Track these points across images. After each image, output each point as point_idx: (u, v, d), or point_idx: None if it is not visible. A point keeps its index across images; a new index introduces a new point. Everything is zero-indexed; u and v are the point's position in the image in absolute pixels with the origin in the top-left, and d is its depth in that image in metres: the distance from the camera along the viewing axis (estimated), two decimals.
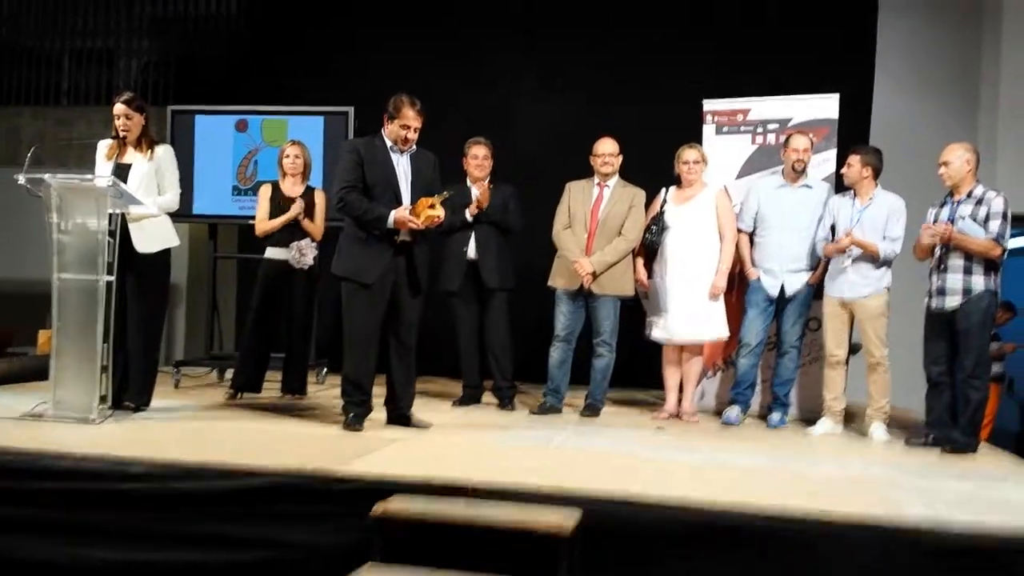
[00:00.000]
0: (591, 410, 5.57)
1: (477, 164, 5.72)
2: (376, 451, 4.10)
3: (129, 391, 4.93)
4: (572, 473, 3.79)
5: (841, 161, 5.70)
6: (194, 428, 4.66)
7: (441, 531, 3.25)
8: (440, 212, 4.56)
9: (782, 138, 5.79)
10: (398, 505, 3.30)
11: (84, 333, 4.62)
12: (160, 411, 5.03)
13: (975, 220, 4.75)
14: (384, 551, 3.23)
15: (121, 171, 4.84)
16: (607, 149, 5.57)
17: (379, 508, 3.27)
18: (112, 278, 4.63)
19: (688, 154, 5.58)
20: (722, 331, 5.61)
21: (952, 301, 4.78)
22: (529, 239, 5.86)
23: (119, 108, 4.88)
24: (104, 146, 5.00)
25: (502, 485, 3.47)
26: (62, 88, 8.71)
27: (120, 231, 4.72)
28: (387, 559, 3.20)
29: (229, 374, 6.28)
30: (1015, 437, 8.27)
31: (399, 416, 4.81)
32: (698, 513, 3.32)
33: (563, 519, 3.17)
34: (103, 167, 4.91)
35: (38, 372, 5.87)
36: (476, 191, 5.71)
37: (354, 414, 4.65)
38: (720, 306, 5.56)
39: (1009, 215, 4.77)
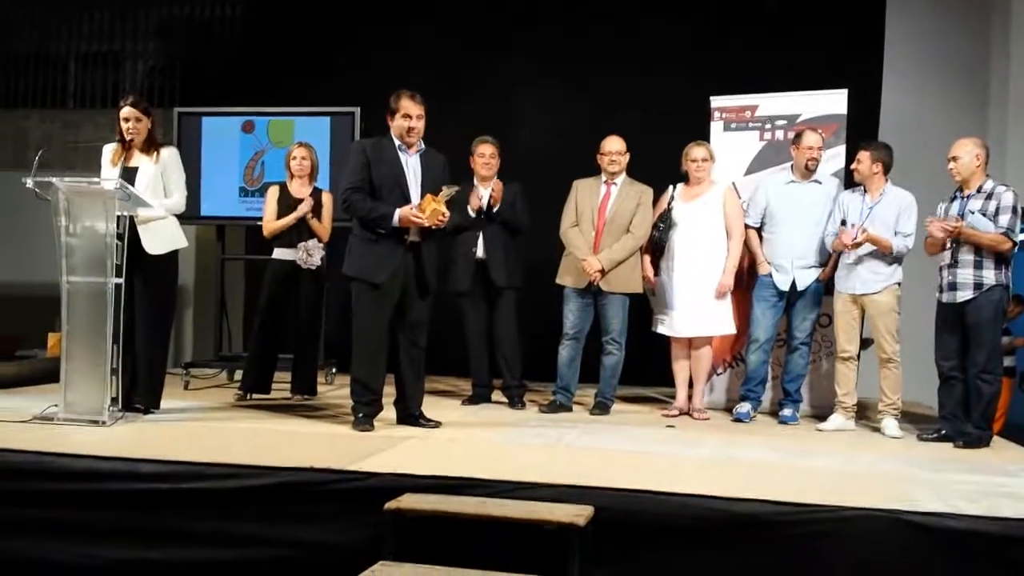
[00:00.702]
0: (601, 408, 5.56)
1: (484, 162, 5.72)
2: (387, 450, 4.10)
3: (139, 393, 4.93)
4: (583, 470, 3.78)
5: (850, 157, 5.69)
6: (204, 429, 4.66)
7: (453, 527, 3.25)
8: (445, 211, 4.54)
9: (791, 134, 5.77)
10: (410, 502, 3.29)
11: (93, 335, 4.63)
12: (170, 412, 5.04)
13: (985, 215, 4.73)
14: (396, 548, 3.22)
15: (128, 174, 4.85)
16: (614, 147, 5.56)
17: (391, 505, 3.26)
18: (121, 280, 4.64)
19: (696, 152, 5.56)
20: (728, 327, 5.60)
21: (963, 295, 4.76)
22: (537, 238, 5.86)
23: (127, 111, 4.88)
24: (109, 150, 5.01)
25: (514, 482, 3.46)
26: (68, 91, 8.73)
27: (128, 233, 4.73)
28: (399, 556, 3.19)
29: (238, 375, 6.29)
30: None
31: (409, 416, 4.81)
32: (710, 507, 3.31)
33: (575, 514, 3.16)
34: (109, 171, 4.91)
35: (48, 375, 5.90)
36: (483, 190, 5.70)
37: (364, 414, 4.65)
38: (727, 303, 5.56)
39: (1019, 209, 4.75)
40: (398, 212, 4.52)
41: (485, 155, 5.72)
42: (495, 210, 5.66)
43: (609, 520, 3.27)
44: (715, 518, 3.28)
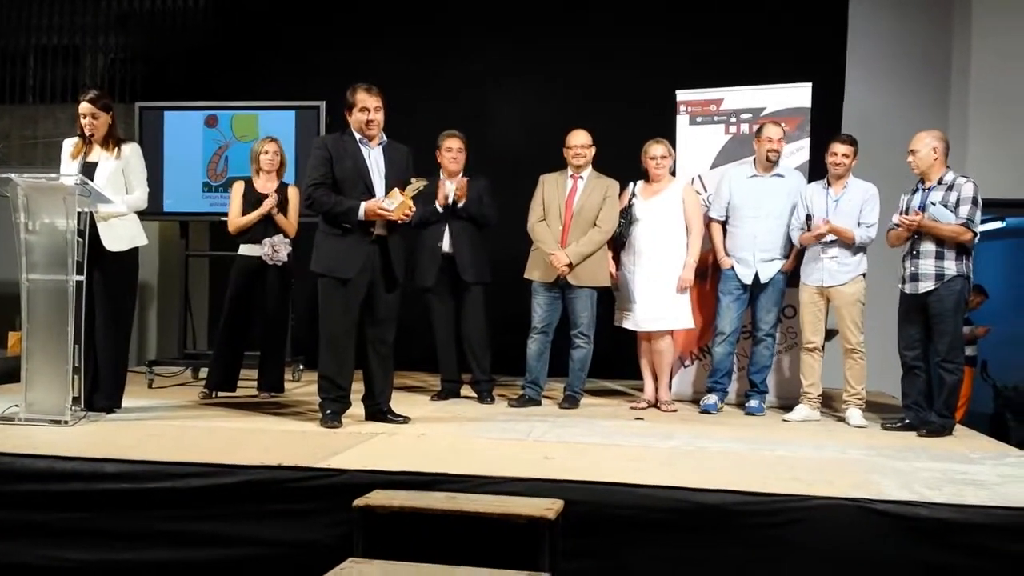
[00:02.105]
0: (570, 401, 5.58)
1: (452, 157, 5.70)
2: (355, 446, 4.08)
3: (100, 392, 4.86)
4: (554, 463, 3.79)
5: (815, 150, 5.74)
6: (169, 427, 4.61)
7: (423, 523, 3.23)
8: (412, 204, 4.52)
9: (755, 127, 5.81)
10: (379, 498, 3.28)
11: (54, 334, 4.55)
12: (134, 411, 4.98)
13: (946, 206, 4.79)
14: (366, 545, 3.20)
15: (88, 170, 4.77)
16: (579, 141, 5.56)
17: (360, 502, 3.24)
18: (82, 278, 4.57)
19: (655, 149, 5.60)
20: (687, 322, 5.65)
21: (925, 285, 4.83)
22: (504, 232, 5.85)
23: (85, 107, 4.80)
24: (69, 144, 4.92)
25: (484, 476, 3.46)
26: (27, 85, 8.58)
27: (88, 230, 4.65)
28: (369, 553, 3.17)
29: (203, 373, 6.22)
30: (989, 419, 8.36)
31: (377, 412, 4.79)
32: (679, 498, 3.33)
33: (545, 508, 3.16)
34: (69, 166, 4.83)
35: (7, 375, 5.80)
36: (451, 185, 5.68)
37: (332, 411, 4.62)
38: (686, 297, 5.60)
39: (979, 200, 4.82)
40: (364, 205, 4.49)
41: (452, 149, 5.70)
42: (460, 205, 5.64)
43: (579, 513, 3.28)
44: (684, 509, 3.31)
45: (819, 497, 3.31)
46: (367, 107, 4.56)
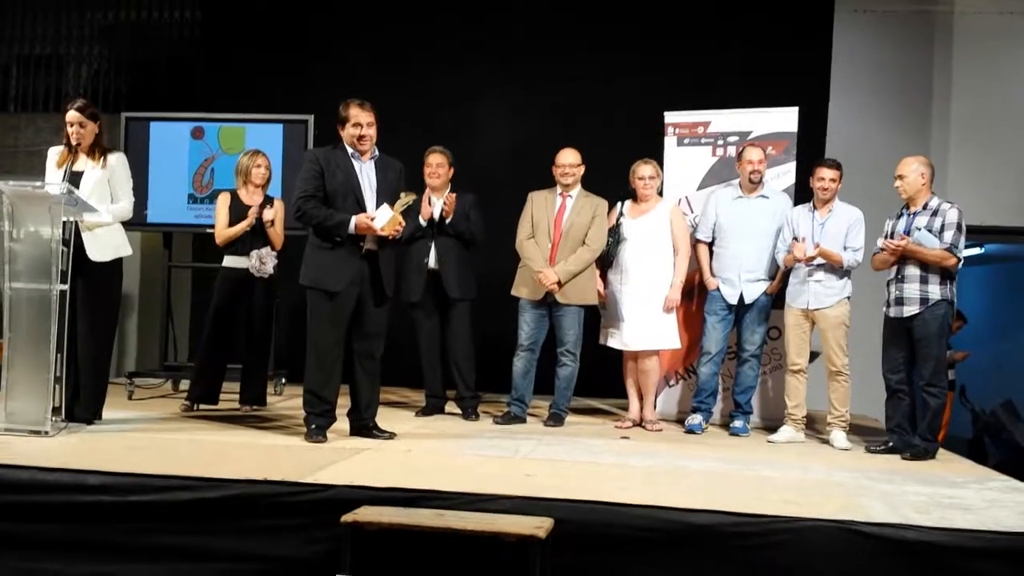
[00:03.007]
0: (555, 419, 5.56)
1: (431, 172, 5.68)
2: (341, 462, 4.04)
3: (80, 403, 4.80)
4: (541, 481, 3.77)
5: (801, 174, 5.79)
6: (152, 440, 4.55)
7: (411, 541, 3.20)
8: (402, 220, 4.52)
9: (739, 151, 5.85)
10: (367, 515, 3.24)
11: (36, 343, 4.49)
12: (115, 423, 4.92)
13: (931, 231, 4.84)
14: (353, 562, 3.17)
15: (73, 179, 4.73)
16: (568, 160, 5.58)
17: (348, 518, 3.20)
18: (66, 287, 4.53)
19: (643, 169, 5.63)
20: (673, 342, 5.66)
21: (910, 309, 4.86)
22: (492, 248, 5.84)
23: (72, 116, 4.76)
24: (55, 153, 4.88)
25: (472, 494, 3.44)
26: (9, 95, 8.50)
27: (72, 239, 4.61)
28: (356, 570, 3.14)
29: (184, 385, 6.16)
30: (967, 443, 8.43)
31: (363, 427, 4.75)
32: (668, 518, 3.33)
33: (535, 527, 3.14)
34: (54, 175, 4.79)
35: None
36: (435, 199, 5.67)
37: (316, 425, 4.59)
38: (672, 317, 5.62)
39: (964, 226, 4.87)
40: (354, 219, 4.47)
41: (432, 165, 5.69)
42: (447, 221, 5.64)
43: (568, 532, 3.26)
44: (673, 529, 3.30)
45: (808, 519, 3.31)
46: (360, 122, 4.55)
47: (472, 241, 5.74)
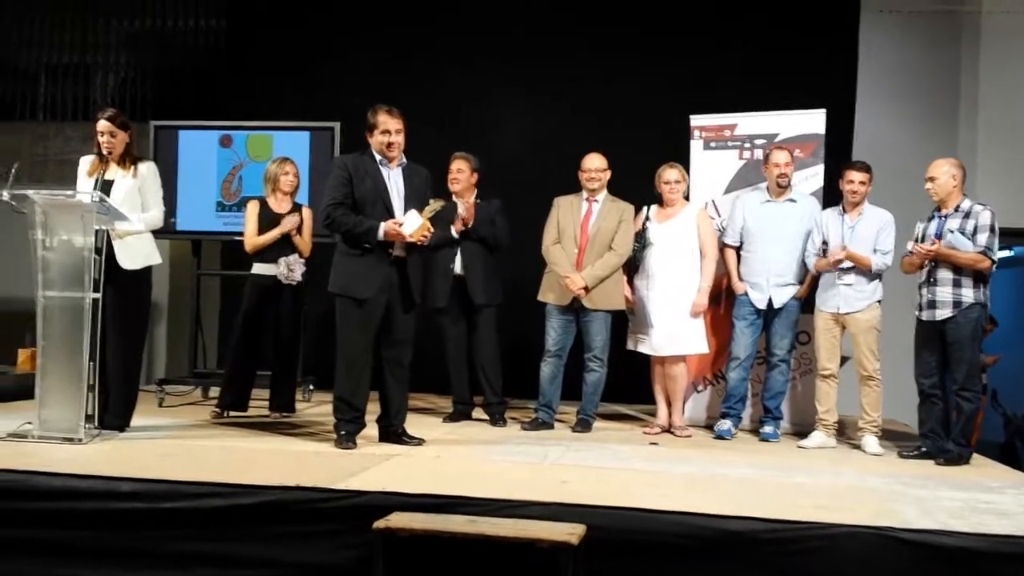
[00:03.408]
0: (583, 425, 5.55)
1: (452, 178, 5.68)
2: (372, 468, 4.05)
3: (110, 410, 4.83)
4: (571, 487, 3.77)
5: (830, 176, 5.75)
6: (183, 447, 4.58)
7: (444, 547, 3.19)
8: (430, 227, 4.52)
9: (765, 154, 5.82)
10: (399, 521, 3.24)
11: (69, 351, 4.54)
12: (146, 430, 4.95)
13: (963, 233, 4.79)
14: (386, 568, 3.17)
15: (104, 188, 4.76)
16: (594, 164, 5.57)
17: (380, 524, 3.21)
18: (98, 295, 4.57)
19: (669, 174, 5.61)
20: (701, 347, 5.64)
21: (943, 313, 4.81)
22: (517, 253, 5.84)
23: (103, 125, 4.81)
24: (86, 162, 4.93)
25: (504, 500, 3.43)
26: (38, 103, 8.58)
27: (104, 248, 4.65)
28: None
29: (213, 392, 6.19)
30: (999, 448, 8.32)
31: (392, 433, 4.76)
32: (702, 524, 3.31)
33: (568, 533, 3.13)
34: (85, 183, 4.83)
35: (19, 391, 5.78)
36: (461, 207, 5.68)
37: (346, 431, 4.60)
38: (699, 322, 5.59)
39: (997, 228, 4.82)
40: (383, 226, 4.49)
41: (452, 170, 5.69)
42: (469, 226, 5.63)
43: (600, 538, 3.24)
44: (707, 536, 3.28)
45: (842, 525, 3.28)
46: (388, 129, 4.57)
47: (497, 246, 5.73)
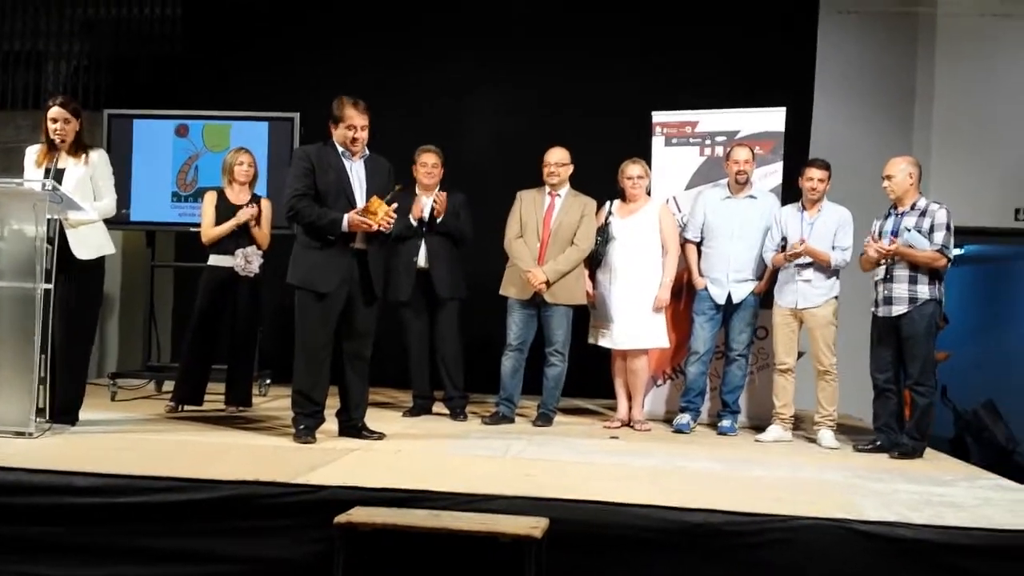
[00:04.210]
0: (544, 419, 5.55)
1: (427, 172, 5.66)
2: (332, 462, 4.01)
3: (60, 403, 4.72)
4: (533, 481, 3.76)
5: (788, 173, 5.81)
6: (138, 441, 4.49)
7: (405, 541, 3.17)
8: (393, 210, 4.47)
9: (727, 151, 5.86)
10: (361, 516, 3.20)
11: (20, 343, 4.42)
12: (98, 424, 4.86)
13: (919, 231, 4.86)
14: (347, 563, 3.13)
15: (56, 177, 4.65)
16: (555, 158, 5.56)
17: (341, 519, 3.17)
18: (51, 286, 4.46)
19: (631, 169, 5.62)
20: (662, 341, 5.66)
21: (898, 309, 4.89)
22: (480, 248, 5.82)
23: (56, 112, 4.69)
24: (33, 152, 4.81)
25: (467, 494, 3.42)
26: None
27: (56, 238, 4.54)
28: (350, 572, 3.11)
29: (167, 386, 6.09)
30: (949, 442, 8.50)
31: (352, 427, 4.72)
32: (665, 517, 3.31)
33: (531, 527, 3.12)
34: (33, 173, 4.71)
35: None
36: (425, 199, 5.64)
37: (305, 425, 4.54)
38: (661, 317, 5.62)
39: (952, 226, 4.90)
40: (347, 217, 4.44)
41: (427, 164, 5.67)
42: (438, 220, 5.61)
43: (564, 532, 3.24)
44: (670, 528, 3.29)
45: (803, 517, 3.31)
46: (354, 124, 4.52)
47: (462, 240, 5.71)
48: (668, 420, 5.84)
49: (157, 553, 3.39)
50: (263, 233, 5.61)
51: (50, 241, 4.48)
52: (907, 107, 7.55)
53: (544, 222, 5.54)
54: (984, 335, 10.08)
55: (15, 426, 4.35)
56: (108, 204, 4.82)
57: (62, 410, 4.69)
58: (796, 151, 6.40)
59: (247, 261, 5.48)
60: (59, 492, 3.47)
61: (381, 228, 4.45)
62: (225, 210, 5.54)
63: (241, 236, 5.53)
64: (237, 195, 5.61)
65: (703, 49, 7.11)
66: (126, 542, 3.40)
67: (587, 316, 5.76)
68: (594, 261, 5.62)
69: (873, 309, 5.05)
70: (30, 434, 4.33)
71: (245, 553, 3.38)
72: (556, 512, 3.28)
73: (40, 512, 3.46)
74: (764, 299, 5.63)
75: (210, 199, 5.61)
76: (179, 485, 3.48)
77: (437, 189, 5.70)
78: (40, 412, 4.46)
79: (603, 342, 5.66)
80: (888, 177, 5.01)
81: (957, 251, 9.10)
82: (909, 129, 7.51)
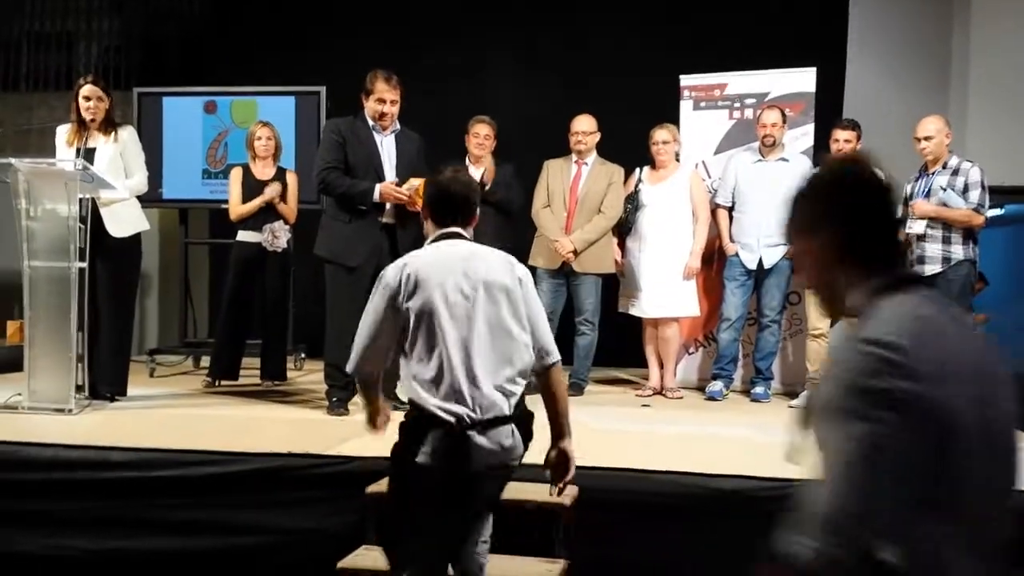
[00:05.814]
0: (575, 388, 5.53)
1: (479, 143, 5.51)
2: (364, 434, 4.02)
3: (104, 380, 4.81)
4: None
5: (819, 134, 5.72)
6: (175, 416, 4.57)
7: None
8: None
9: (757, 113, 5.78)
10: None
11: (57, 322, 4.51)
12: (138, 400, 4.94)
13: (953, 190, 4.77)
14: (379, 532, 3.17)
15: (87, 156, 4.72)
16: (582, 127, 5.51)
17: (373, 489, 3.21)
18: (84, 264, 4.53)
19: (659, 134, 5.56)
20: (693, 309, 5.63)
21: (931, 268, 4.81)
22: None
23: (89, 90, 4.74)
24: (64, 131, 4.87)
25: None
26: (21, 72, 8.47)
27: (90, 216, 4.61)
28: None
29: (204, 361, 6.17)
30: None
31: (385, 398, 4.73)
32: (695, 484, 3.32)
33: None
34: (65, 152, 4.78)
35: (9, 363, 5.73)
36: (475, 170, 5.54)
37: (338, 398, 4.59)
38: (692, 284, 5.58)
39: (987, 184, 4.80)
40: (378, 187, 4.44)
41: (479, 135, 5.52)
42: (487, 188, 5.55)
43: (594, 499, 3.26)
44: (700, 495, 3.30)
45: None
46: (384, 99, 4.52)
47: (510, 211, 5.63)
48: (700, 388, 5.81)
49: (191, 526, 3.47)
50: (290, 208, 5.63)
51: (83, 220, 4.54)
52: (943, 64, 7.36)
53: (571, 191, 5.51)
54: None
55: (55, 403, 4.45)
56: (139, 181, 4.87)
57: (109, 386, 4.78)
58: (829, 112, 6.29)
59: (275, 236, 5.51)
60: (97, 467, 3.57)
61: (409, 206, 4.45)
62: (251, 186, 5.57)
63: (268, 211, 5.56)
64: (262, 170, 5.63)
65: (732, 11, 6.98)
66: (162, 515, 3.49)
67: (617, 285, 5.73)
68: (624, 229, 5.58)
69: None
70: (70, 410, 4.42)
71: (279, 524, 3.45)
72: (585, 480, 3.28)
73: (78, 487, 3.55)
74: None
75: (236, 176, 5.64)
76: (212, 458, 3.55)
77: (488, 160, 5.62)
78: (79, 389, 4.56)
79: (633, 311, 5.63)
80: (927, 138, 4.90)
81: (997, 211, 9.00)
82: (946, 87, 7.32)
